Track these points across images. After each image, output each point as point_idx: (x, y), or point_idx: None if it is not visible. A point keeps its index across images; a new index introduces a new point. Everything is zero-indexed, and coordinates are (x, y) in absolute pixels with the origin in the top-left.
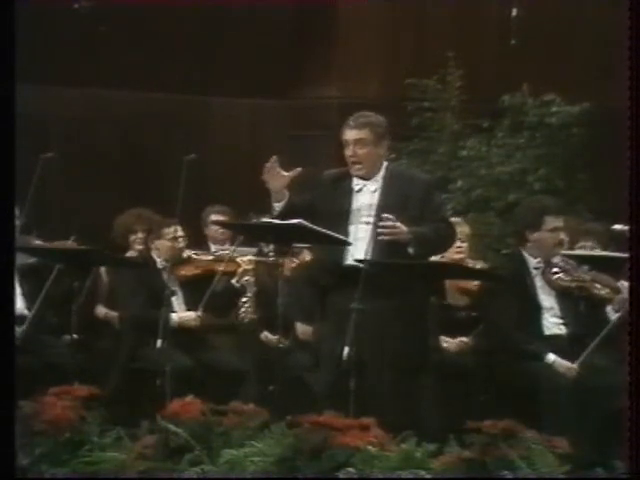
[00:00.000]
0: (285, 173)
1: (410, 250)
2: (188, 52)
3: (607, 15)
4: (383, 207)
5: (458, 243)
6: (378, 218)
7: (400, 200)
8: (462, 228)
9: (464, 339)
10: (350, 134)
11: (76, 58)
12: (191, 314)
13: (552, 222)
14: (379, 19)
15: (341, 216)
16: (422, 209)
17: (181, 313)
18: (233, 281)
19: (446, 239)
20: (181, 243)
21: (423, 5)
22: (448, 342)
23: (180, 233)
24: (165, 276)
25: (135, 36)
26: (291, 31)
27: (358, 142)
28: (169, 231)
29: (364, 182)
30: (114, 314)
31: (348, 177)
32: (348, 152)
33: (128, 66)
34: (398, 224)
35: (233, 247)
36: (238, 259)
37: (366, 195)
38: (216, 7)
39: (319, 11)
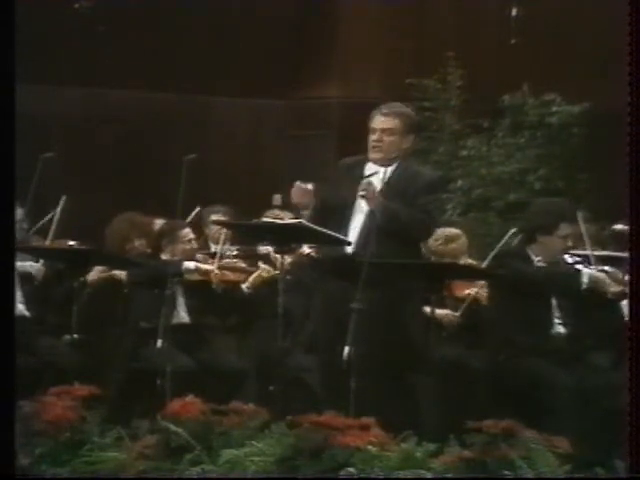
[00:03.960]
0: (309, 187)
1: (377, 216)
2: (188, 52)
3: (607, 15)
4: (383, 193)
5: (461, 258)
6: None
7: (400, 192)
8: (461, 240)
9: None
10: (380, 121)
11: (76, 58)
12: (209, 266)
13: (565, 229)
14: (379, 19)
15: (347, 202)
16: (415, 201)
17: (199, 263)
18: (243, 286)
19: (413, 229)
20: (193, 245)
21: (423, 5)
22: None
23: (192, 235)
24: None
25: (135, 36)
26: (291, 31)
27: (386, 130)
28: (183, 234)
29: (377, 168)
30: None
31: (363, 164)
32: (374, 137)
33: (128, 66)
34: (377, 194)
35: (222, 247)
36: (242, 265)
37: (374, 182)
38: (216, 7)
39: (319, 11)
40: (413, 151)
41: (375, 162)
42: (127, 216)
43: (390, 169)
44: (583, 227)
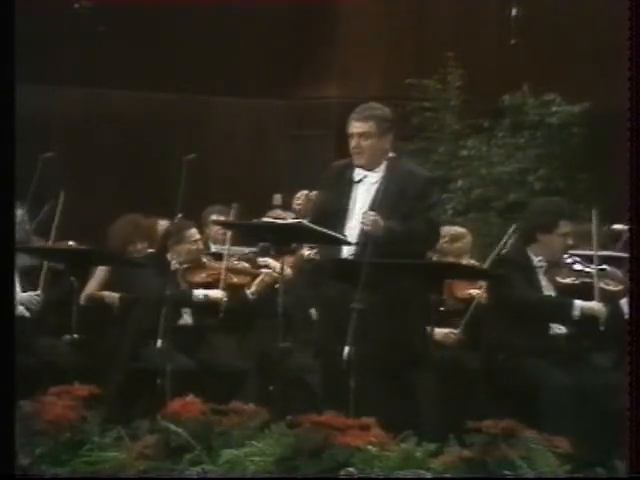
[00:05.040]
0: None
1: (382, 241)
2: (188, 52)
3: (607, 15)
4: (380, 199)
5: (464, 259)
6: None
7: (396, 194)
8: (466, 240)
9: (454, 331)
10: (355, 126)
11: (76, 58)
12: (217, 291)
13: (565, 227)
14: (379, 19)
15: (341, 206)
16: (415, 205)
17: (207, 290)
18: (248, 292)
19: (419, 242)
20: (199, 245)
21: (423, 5)
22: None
23: (198, 236)
24: (175, 278)
25: (135, 36)
26: (291, 31)
27: (363, 135)
28: (190, 234)
29: (365, 173)
30: (115, 295)
31: (351, 168)
32: (352, 143)
33: (128, 66)
34: (378, 218)
35: (227, 247)
36: (247, 267)
37: (366, 186)
38: (216, 7)
39: (319, 11)
40: (405, 151)
41: (361, 167)
42: (131, 218)
43: (379, 172)
44: (594, 227)
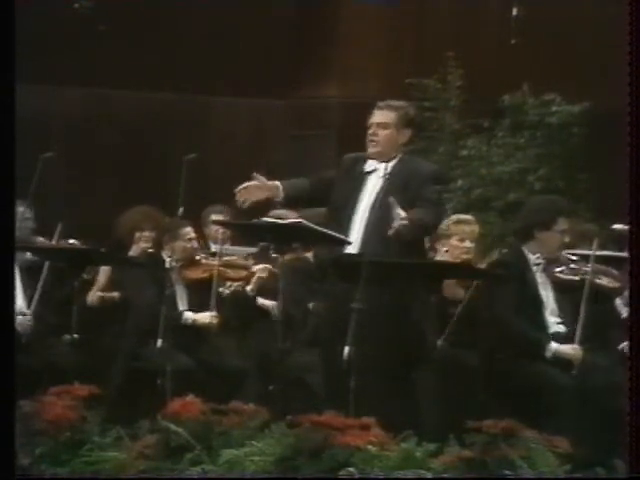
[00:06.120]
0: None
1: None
2: (188, 52)
3: (607, 15)
4: (385, 191)
5: (467, 243)
6: (377, 201)
7: (401, 186)
8: (472, 227)
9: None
10: (376, 115)
11: (76, 58)
12: (206, 314)
13: (562, 224)
14: (379, 19)
15: (349, 199)
16: (419, 192)
17: (196, 314)
18: (248, 288)
19: (431, 222)
20: (194, 244)
21: (423, 5)
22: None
23: (193, 235)
24: (172, 276)
25: (135, 36)
26: (291, 31)
27: (381, 124)
28: (185, 232)
29: (377, 165)
30: (114, 294)
31: (363, 161)
32: (370, 131)
33: (128, 66)
34: (405, 222)
35: (225, 246)
36: (245, 263)
37: (375, 178)
38: (216, 7)
39: (319, 11)
40: (413, 150)
41: (374, 158)
42: (142, 208)
43: (390, 165)
44: (592, 226)
